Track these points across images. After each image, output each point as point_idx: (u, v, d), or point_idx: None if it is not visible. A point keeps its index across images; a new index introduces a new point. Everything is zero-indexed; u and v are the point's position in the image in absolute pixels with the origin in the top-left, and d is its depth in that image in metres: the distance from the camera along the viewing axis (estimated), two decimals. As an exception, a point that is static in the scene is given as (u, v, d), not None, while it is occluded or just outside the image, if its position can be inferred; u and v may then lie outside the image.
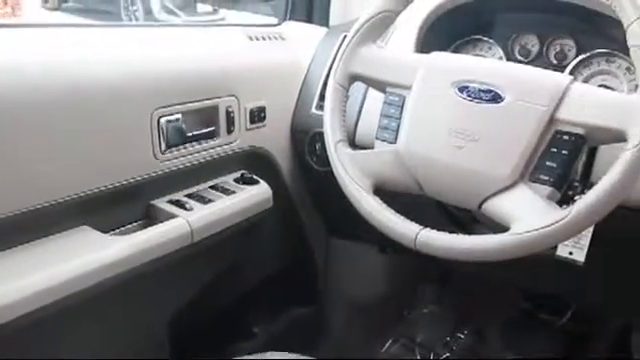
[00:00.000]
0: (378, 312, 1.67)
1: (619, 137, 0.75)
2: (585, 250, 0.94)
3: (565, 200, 0.83)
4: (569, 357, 1.57)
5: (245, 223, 1.13)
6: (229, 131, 1.12)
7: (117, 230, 0.99)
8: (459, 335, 1.67)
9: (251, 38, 1.19)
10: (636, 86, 0.79)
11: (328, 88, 0.96)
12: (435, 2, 1.09)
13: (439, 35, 1.15)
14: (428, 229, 0.84)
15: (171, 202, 1.05)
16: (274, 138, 1.25)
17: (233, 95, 1.12)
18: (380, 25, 0.93)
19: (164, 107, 0.99)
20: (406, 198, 0.91)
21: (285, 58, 1.26)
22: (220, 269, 1.21)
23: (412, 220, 0.86)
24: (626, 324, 1.37)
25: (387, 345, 1.67)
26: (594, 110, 0.78)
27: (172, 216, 1.00)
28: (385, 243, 1.48)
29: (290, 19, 1.38)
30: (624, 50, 0.77)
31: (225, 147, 1.12)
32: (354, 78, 0.95)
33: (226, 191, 1.11)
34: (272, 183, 1.20)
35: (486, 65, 0.92)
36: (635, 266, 1.01)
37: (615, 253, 1.00)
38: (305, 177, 1.33)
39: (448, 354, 1.64)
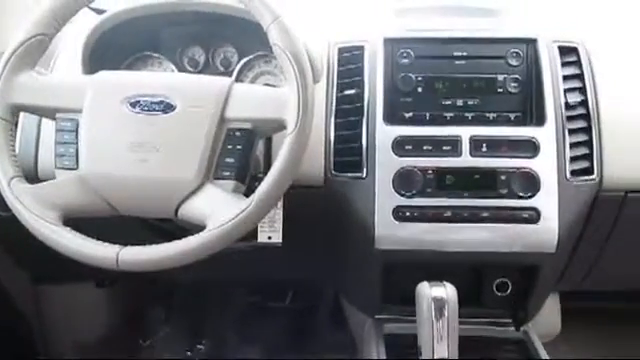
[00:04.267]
0: (112, 349, 1.59)
1: (281, 126, 0.85)
2: (280, 232, 1.04)
3: (254, 192, 0.90)
4: (299, 332, 1.72)
5: None
6: None
7: None
8: (199, 346, 1.69)
9: None
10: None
11: None
12: (94, 23, 1.07)
13: (110, 55, 1.13)
14: (128, 247, 0.83)
15: None
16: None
17: None
18: (35, 50, 0.88)
19: None
20: (108, 222, 0.89)
21: None
22: None
23: (122, 243, 0.84)
24: (335, 292, 1.54)
25: (129, 380, 1.61)
26: (255, 105, 0.87)
27: None
28: (99, 276, 1.42)
29: None
30: None
31: None
32: (17, 109, 0.89)
33: None
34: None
35: (154, 78, 0.94)
36: (326, 237, 1.15)
37: (306, 230, 1.12)
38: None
39: (193, 368, 1.65)
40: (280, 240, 1.04)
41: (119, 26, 1.09)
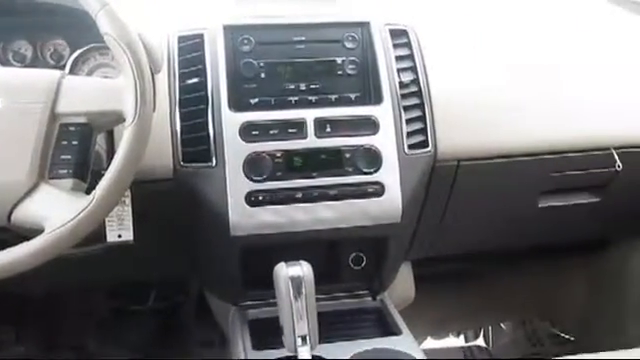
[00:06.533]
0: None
1: (119, 118, 0.83)
2: (131, 229, 1.00)
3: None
4: (166, 332, 1.68)
5: None
6: None
7: None
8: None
9: None
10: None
11: None
12: None
13: None
14: None
15: None
16: None
17: None
18: None
19: None
20: None
21: None
22: None
23: None
24: (199, 285, 1.52)
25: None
26: (89, 98, 0.83)
27: None
28: None
29: None
30: None
31: None
32: None
33: None
34: None
35: None
36: (181, 230, 1.13)
37: (161, 225, 1.09)
38: None
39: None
40: (131, 237, 1.00)
41: None
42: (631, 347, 1.01)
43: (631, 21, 1.34)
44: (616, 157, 1.20)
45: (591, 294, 1.73)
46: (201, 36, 1.08)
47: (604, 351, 0.99)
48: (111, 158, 0.98)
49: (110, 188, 0.78)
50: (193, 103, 1.04)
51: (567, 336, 1.81)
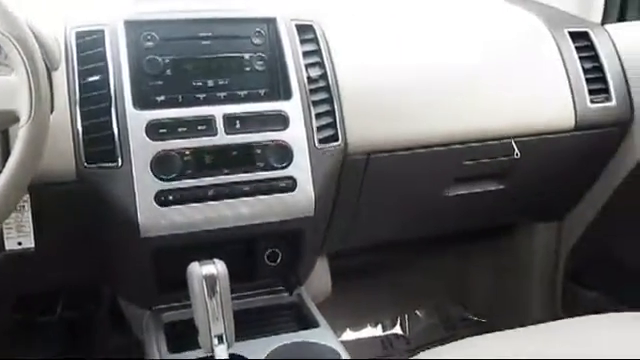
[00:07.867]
0: None
1: (12, 117, 0.78)
2: (31, 235, 0.95)
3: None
4: (78, 343, 1.61)
5: None
6: None
7: None
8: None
9: None
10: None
11: None
12: None
13: None
14: None
15: None
16: None
17: None
18: None
19: None
20: None
21: None
22: None
23: None
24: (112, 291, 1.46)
25: None
26: None
27: None
28: None
29: None
30: None
31: None
32: None
33: None
34: None
35: None
36: (88, 234, 1.08)
37: (67, 229, 1.05)
38: None
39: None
40: (32, 245, 0.95)
41: None
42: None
43: (527, 19, 1.41)
44: (514, 146, 1.26)
45: (498, 277, 1.82)
46: (101, 32, 1.04)
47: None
48: (6, 160, 0.94)
49: (4, 192, 0.74)
50: (95, 101, 1.00)
51: (478, 319, 1.89)
